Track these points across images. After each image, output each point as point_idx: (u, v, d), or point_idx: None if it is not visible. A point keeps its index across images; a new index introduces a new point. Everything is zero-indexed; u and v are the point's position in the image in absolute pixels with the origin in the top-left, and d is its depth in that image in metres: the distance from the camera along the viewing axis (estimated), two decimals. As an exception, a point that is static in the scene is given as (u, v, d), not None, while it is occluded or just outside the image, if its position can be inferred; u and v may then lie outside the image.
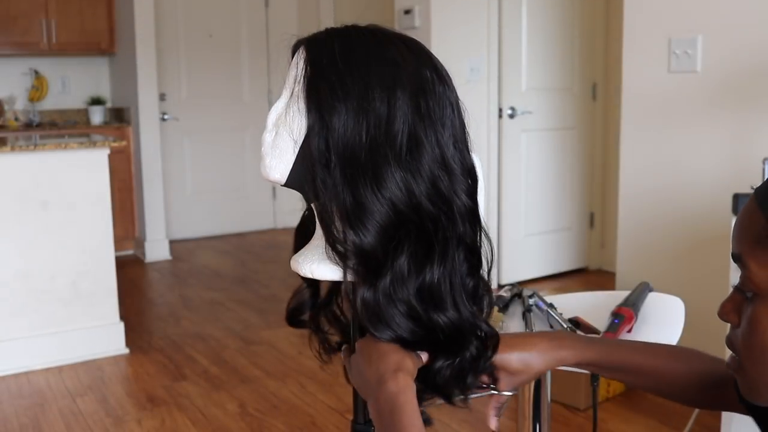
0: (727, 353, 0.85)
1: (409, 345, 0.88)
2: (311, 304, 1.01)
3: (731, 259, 0.80)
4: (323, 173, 0.84)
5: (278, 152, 0.90)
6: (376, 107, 0.84)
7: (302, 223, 1.00)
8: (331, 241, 0.85)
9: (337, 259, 0.86)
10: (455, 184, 0.87)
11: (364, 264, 0.84)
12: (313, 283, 1.00)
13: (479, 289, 0.91)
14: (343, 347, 0.97)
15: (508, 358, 0.98)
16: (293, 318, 1.02)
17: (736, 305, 0.81)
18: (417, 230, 0.84)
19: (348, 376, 0.96)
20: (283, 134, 0.90)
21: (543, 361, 0.99)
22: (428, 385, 0.90)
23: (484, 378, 0.98)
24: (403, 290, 0.84)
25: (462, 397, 0.93)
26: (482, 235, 0.90)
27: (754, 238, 0.76)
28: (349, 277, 0.89)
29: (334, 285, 1.01)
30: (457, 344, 0.89)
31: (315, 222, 0.95)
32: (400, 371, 0.85)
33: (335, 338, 1.02)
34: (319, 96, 0.86)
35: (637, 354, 1.02)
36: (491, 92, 4.20)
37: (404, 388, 0.84)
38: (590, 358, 1.00)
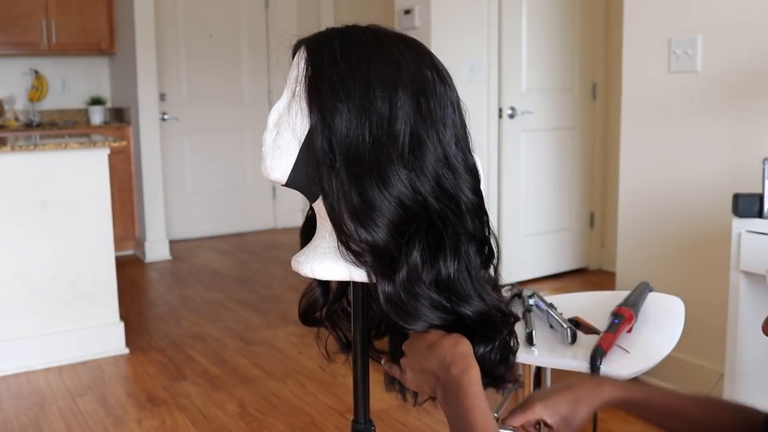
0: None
1: (445, 330, 0.90)
2: (323, 302, 1.02)
3: None
4: (329, 173, 0.85)
5: (279, 152, 0.90)
6: (377, 107, 0.84)
7: (307, 222, 1.00)
8: (344, 239, 0.86)
9: (351, 257, 0.86)
10: (459, 181, 0.88)
11: (379, 260, 0.86)
12: (324, 282, 1.00)
13: (494, 279, 0.93)
14: (384, 359, 0.99)
15: (556, 402, 0.99)
16: (306, 317, 1.03)
17: None
18: (427, 226, 0.86)
19: (386, 382, 1.00)
20: (284, 134, 0.90)
21: (590, 399, 1.00)
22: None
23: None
24: (420, 284, 0.86)
25: (508, 382, 0.97)
26: (489, 230, 0.92)
27: None
28: (356, 276, 0.89)
29: (343, 282, 1.01)
30: (491, 328, 0.91)
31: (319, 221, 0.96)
32: (460, 355, 0.87)
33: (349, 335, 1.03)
34: (320, 96, 0.86)
35: (684, 400, 1.01)
36: (491, 92, 4.20)
37: (466, 369, 0.86)
38: (636, 398, 1.00)
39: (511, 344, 0.95)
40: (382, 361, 0.99)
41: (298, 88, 0.89)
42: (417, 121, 0.85)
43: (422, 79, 0.87)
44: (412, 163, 0.85)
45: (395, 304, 0.86)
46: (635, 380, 1.08)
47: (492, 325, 0.91)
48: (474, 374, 0.86)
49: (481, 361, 0.91)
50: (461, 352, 0.88)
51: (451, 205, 0.87)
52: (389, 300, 0.86)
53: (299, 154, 0.89)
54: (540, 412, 0.97)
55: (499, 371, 0.94)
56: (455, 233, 0.87)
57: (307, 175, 0.89)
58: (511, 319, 0.94)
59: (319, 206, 0.91)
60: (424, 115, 0.86)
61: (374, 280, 0.87)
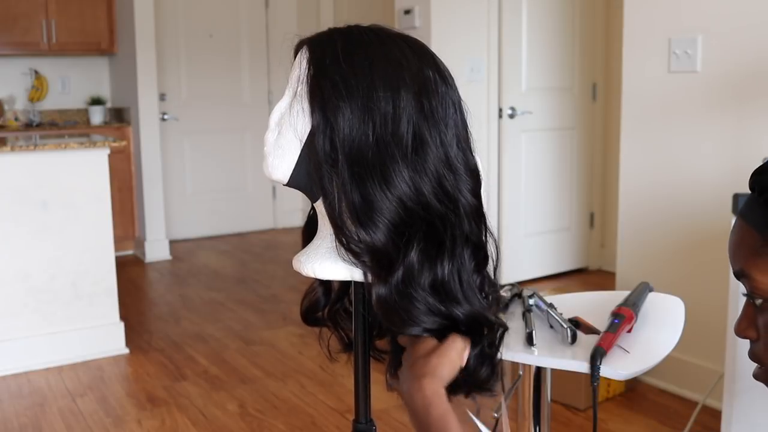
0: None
1: (439, 335, 0.88)
2: (324, 302, 1.02)
3: (734, 277, 0.81)
4: (330, 173, 0.85)
5: (281, 152, 0.90)
6: (381, 107, 0.84)
7: (309, 221, 1.00)
8: (343, 240, 0.86)
9: (350, 257, 0.86)
10: (460, 183, 0.87)
11: (377, 261, 0.85)
12: (325, 281, 1.00)
13: (486, 284, 0.92)
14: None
15: None
16: (308, 317, 1.03)
17: (751, 320, 0.82)
18: (426, 227, 0.85)
19: (388, 382, 0.99)
20: (285, 134, 0.90)
21: None
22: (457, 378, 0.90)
23: None
24: (415, 286, 0.85)
25: (491, 389, 0.94)
26: (487, 233, 0.91)
27: (751, 251, 0.79)
28: (357, 276, 0.89)
29: (345, 282, 1.01)
30: (476, 334, 0.90)
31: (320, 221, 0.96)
32: (427, 376, 0.85)
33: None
34: (322, 95, 0.86)
35: None
36: (491, 92, 4.20)
37: (432, 396, 0.84)
38: None
39: (492, 353, 0.92)
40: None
41: (300, 88, 0.89)
42: (419, 122, 0.86)
43: (424, 79, 0.87)
44: (415, 163, 0.85)
45: (387, 306, 0.85)
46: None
47: (477, 330, 0.90)
48: (438, 400, 0.84)
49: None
50: (435, 373, 0.86)
51: (450, 205, 0.86)
52: (381, 302, 0.85)
53: (301, 153, 0.89)
54: None
55: (479, 377, 0.92)
56: (453, 235, 0.87)
57: (308, 175, 0.89)
58: (495, 327, 0.92)
59: (321, 206, 0.91)
60: (427, 115, 0.86)
61: (370, 281, 0.87)
